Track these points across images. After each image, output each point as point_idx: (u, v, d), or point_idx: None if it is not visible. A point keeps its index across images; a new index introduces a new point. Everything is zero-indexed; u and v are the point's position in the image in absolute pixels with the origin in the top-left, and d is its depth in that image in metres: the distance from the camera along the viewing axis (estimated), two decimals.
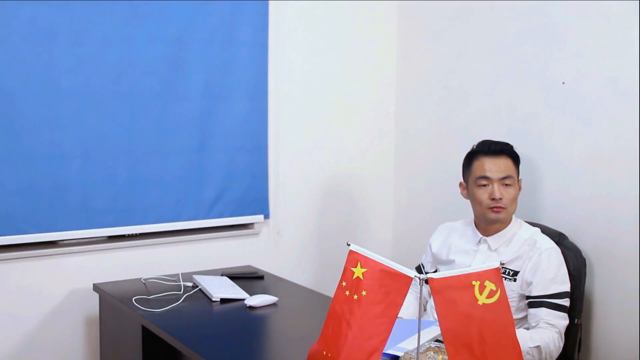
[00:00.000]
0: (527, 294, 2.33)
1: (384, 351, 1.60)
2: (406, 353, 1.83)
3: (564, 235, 2.58)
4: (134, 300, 2.50)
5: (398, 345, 1.87)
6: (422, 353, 1.81)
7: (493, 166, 2.40)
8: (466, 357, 1.50)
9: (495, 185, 2.39)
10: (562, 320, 2.29)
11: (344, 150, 3.47)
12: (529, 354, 2.17)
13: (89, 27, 2.76)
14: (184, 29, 2.96)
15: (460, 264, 2.47)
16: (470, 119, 3.13)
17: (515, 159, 2.47)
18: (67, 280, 2.86)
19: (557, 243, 2.48)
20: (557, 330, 2.25)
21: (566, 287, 2.34)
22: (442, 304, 1.50)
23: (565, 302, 2.32)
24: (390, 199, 3.61)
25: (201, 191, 3.07)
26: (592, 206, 2.60)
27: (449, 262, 2.54)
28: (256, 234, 3.28)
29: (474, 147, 2.51)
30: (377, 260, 1.57)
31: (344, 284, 1.60)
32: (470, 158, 2.49)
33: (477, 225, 2.51)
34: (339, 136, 3.45)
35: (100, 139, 2.83)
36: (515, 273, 2.36)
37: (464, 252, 2.50)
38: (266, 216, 3.26)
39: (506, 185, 2.40)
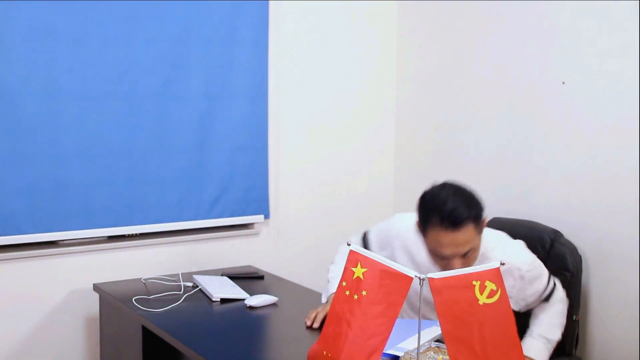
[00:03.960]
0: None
1: (384, 351, 1.60)
2: (406, 353, 1.82)
3: (559, 232, 2.61)
4: (134, 300, 2.50)
5: (398, 345, 1.87)
6: (422, 353, 1.81)
7: (451, 244, 1.95)
8: (467, 357, 1.50)
9: (454, 262, 1.97)
10: (559, 295, 2.24)
11: (344, 150, 3.47)
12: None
13: (89, 27, 2.76)
14: (184, 29, 2.96)
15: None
16: (470, 119, 3.13)
17: (478, 219, 1.99)
18: (67, 280, 2.86)
19: (552, 240, 2.53)
20: (558, 299, 2.23)
21: (544, 278, 2.19)
22: (443, 304, 1.50)
23: (551, 285, 2.21)
24: (390, 199, 3.60)
25: (201, 191, 3.07)
26: (589, 205, 2.62)
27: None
28: (256, 234, 3.28)
29: (429, 210, 1.99)
30: (377, 260, 1.57)
31: (344, 283, 1.60)
32: (426, 218, 2.01)
33: None
34: (339, 136, 3.45)
35: (100, 139, 2.83)
36: None
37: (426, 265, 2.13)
38: (266, 216, 3.26)
39: (466, 255, 1.99)
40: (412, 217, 2.13)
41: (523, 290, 2.16)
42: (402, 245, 2.25)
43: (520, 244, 2.23)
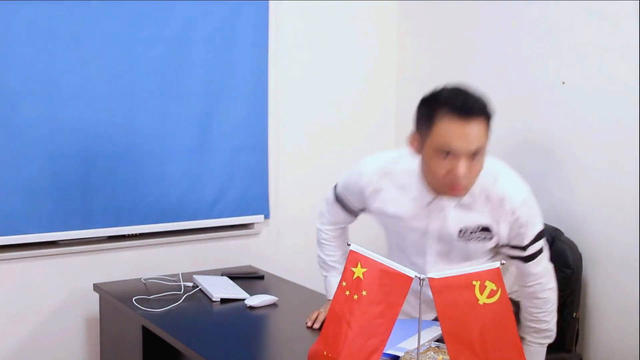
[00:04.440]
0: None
1: (384, 351, 1.60)
2: (406, 353, 1.82)
3: (559, 230, 2.62)
4: (134, 300, 2.50)
5: (398, 345, 1.87)
6: (422, 353, 1.80)
7: (462, 137, 1.77)
8: (467, 357, 1.50)
9: (461, 162, 1.79)
10: (549, 273, 2.05)
11: (344, 150, 3.47)
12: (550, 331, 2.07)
13: (89, 27, 2.76)
14: (184, 29, 2.96)
15: (412, 227, 2.05)
16: None
17: (489, 118, 1.86)
18: (67, 280, 2.87)
19: (553, 238, 2.52)
20: (549, 287, 2.05)
21: (532, 230, 1.98)
22: (443, 304, 1.50)
23: (535, 249, 2.00)
24: None
25: (201, 191, 3.07)
26: (589, 204, 2.62)
27: (390, 218, 2.09)
28: (256, 234, 3.28)
29: (437, 104, 1.82)
30: (377, 260, 1.57)
31: (344, 284, 1.60)
32: (432, 112, 1.81)
33: (429, 182, 1.95)
34: (339, 136, 3.45)
35: (100, 139, 2.83)
36: (486, 229, 1.98)
37: (412, 216, 2.01)
38: (266, 216, 3.26)
39: (474, 157, 1.81)
40: (379, 157, 2.12)
41: (509, 228, 1.95)
42: (385, 187, 2.05)
43: (515, 175, 2.01)
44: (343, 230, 2.37)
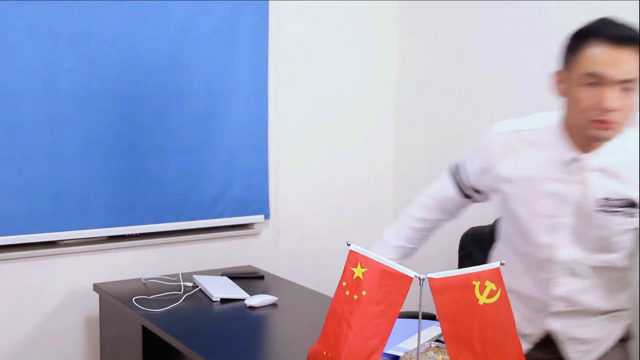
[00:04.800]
0: None
1: (384, 351, 1.60)
2: (406, 353, 1.83)
3: None
4: (134, 300, 2.50)
5: (398, 345, 1.87)
6: (422, 353, 1.81)
7: (612, 62, 1.63)
8: (467, 357, 1.50)
9: (610, 91, 1.63)
10: None
11: (344, 150, 3.47)
12: None
13: (89, 27, 2.76)
14: (184, 29, 2.96)
15: (546, 191, 1.82)
16: (470, 119, 3.13)
17: None
18: (67, 280, 2.87)
19: None
20: None
21: None
22: (443, 304, 1.50)
23: None
24: (390, 198, 3.61)
25: (201, 191, 3.07)
26: None
27: (517, 183, 1.87)
28: (256, 234, 3.28)
29: (585, 32, 1.71)
30: (377, 260, 1.57)
31: (344, 283, 1.60)
32: (578, 40, 1.71)
33: (571, 134, 1.76)
34: (339, 136, 3.45)
35: (100, 139, 2.83)
36: (632, 205, 1.75)
37: (546, 177, 1.80)
38: (266, 216, 3.26)
39: (626, 90, 1.65)
40: (513, 119, 1.93)
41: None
42: (516, 146, 1.88)
43: None
44: (432, 226, 2.17)
